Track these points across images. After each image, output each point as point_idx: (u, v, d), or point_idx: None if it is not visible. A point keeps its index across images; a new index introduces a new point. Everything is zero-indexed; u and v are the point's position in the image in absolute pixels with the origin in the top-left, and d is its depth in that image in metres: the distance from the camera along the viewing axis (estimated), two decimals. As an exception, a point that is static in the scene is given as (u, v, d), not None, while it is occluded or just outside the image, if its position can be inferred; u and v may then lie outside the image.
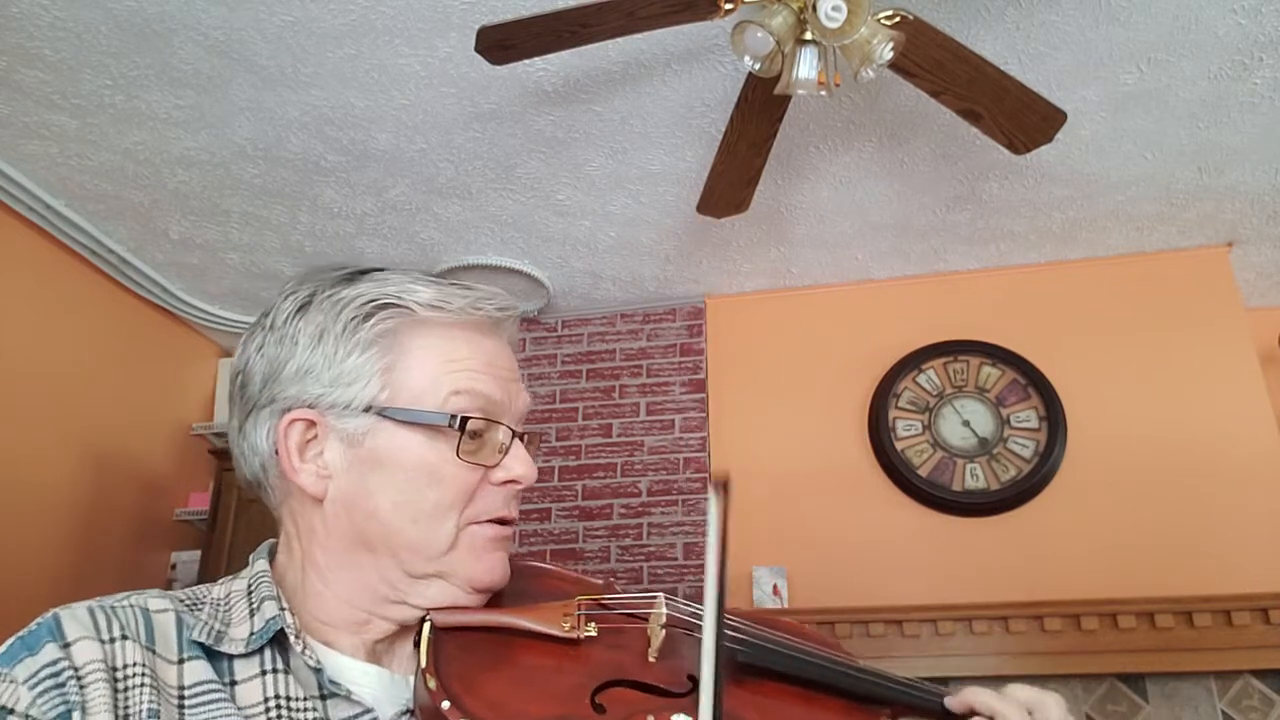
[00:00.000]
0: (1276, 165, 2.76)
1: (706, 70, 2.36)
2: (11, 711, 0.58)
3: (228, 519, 3.31)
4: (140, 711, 0.61)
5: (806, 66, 1.84)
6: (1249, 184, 2.85)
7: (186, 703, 0.64)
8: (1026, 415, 3.14)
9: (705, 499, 3.29)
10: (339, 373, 0.72)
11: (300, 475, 0.72)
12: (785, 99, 2.03)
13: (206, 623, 0.68)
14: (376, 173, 2.77)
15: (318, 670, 0.68)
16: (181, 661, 0.66)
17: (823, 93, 1.90)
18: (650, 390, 3.51)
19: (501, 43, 1.91)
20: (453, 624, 0.70)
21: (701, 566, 3.36)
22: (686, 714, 0.65)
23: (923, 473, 3.13)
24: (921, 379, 3.27)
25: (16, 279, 2.88)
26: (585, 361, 3.61)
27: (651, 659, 0.72)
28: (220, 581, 0.76)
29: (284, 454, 0.73)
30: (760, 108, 2.08)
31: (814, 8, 1.70)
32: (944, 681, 0.76)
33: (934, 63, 1.93)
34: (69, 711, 0.59)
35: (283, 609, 0.70)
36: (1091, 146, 2.67)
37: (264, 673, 0.67)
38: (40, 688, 0.59)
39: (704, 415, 3.43)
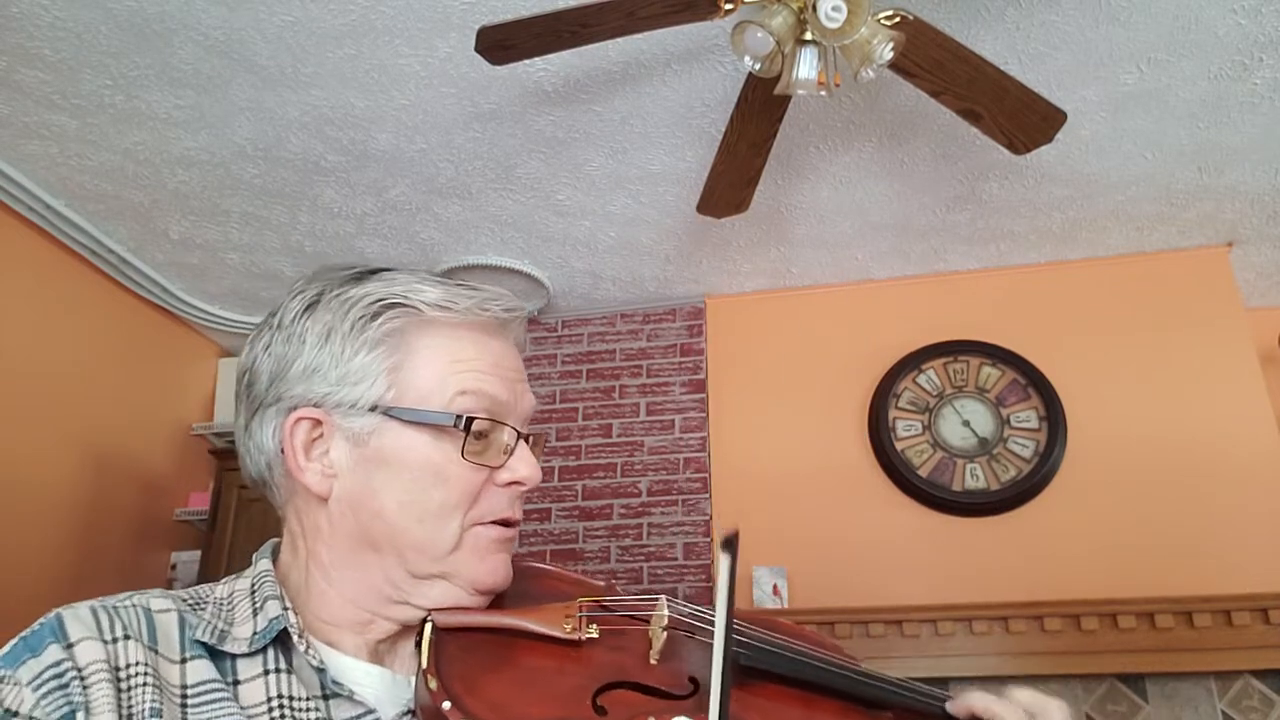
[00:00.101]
0: (1276, 165, 2.76)
1: (706, 70, 2.36)
2: (16, 714, 0.58)
3: (228, 519, 3.31)
4: (143, 711, 0.61)
5: (806, 66, 1.84)
6: (1249, 184, 2.85)
7: (189, 702, 0.64)
8: (1026, 415, 3.14)
9: (705, 498, 3.30)
10: (346, 372, 0.72)
11: (305, 474, 0.72)
12: (785, 99, 2.03)
13: (209, 622, 0.68)
14: (376, 173, 2.77)
15: (320, 670, 0.68)
16: (184, 661, 0.66)
17: (823, 93, 1.90)
18: (650, 390, 3.51)
19: (501, 43, 1.91)
20: (454, 625, 0.70)
21: (702, 567, 3.36)
22: (688, 716, 0.65)
23: (923, 473, 3.13)
24: (921, 379, 3.27)
25: (16, 279, 2.88)
26: (585, 361, 3.62)
27: (653, 661, 0.72)
28: (224, 581, 0.76)
29: (289, 453, 0.73)
30: (760, 108, 2.08)
31: (814, 8, 1.70)
32: (944, 682, 0.77)
33: (934, 63, 1.93)
34: (73, 712, 0.59)
35: (286, 609, 0.70)
36: (1091, 146, 2.67)
37: (267, 672, 0.67)
38: (44, 689, 0.59)
39: (704, 415, 3.43)
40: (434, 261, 3.23)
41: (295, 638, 0.68)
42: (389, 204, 2.94)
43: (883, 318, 3.40)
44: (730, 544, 0.64)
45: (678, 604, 0.77)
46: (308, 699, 0.67)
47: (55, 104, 2.44)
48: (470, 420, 0.72)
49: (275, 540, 0.79)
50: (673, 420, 3.44)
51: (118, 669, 0.62)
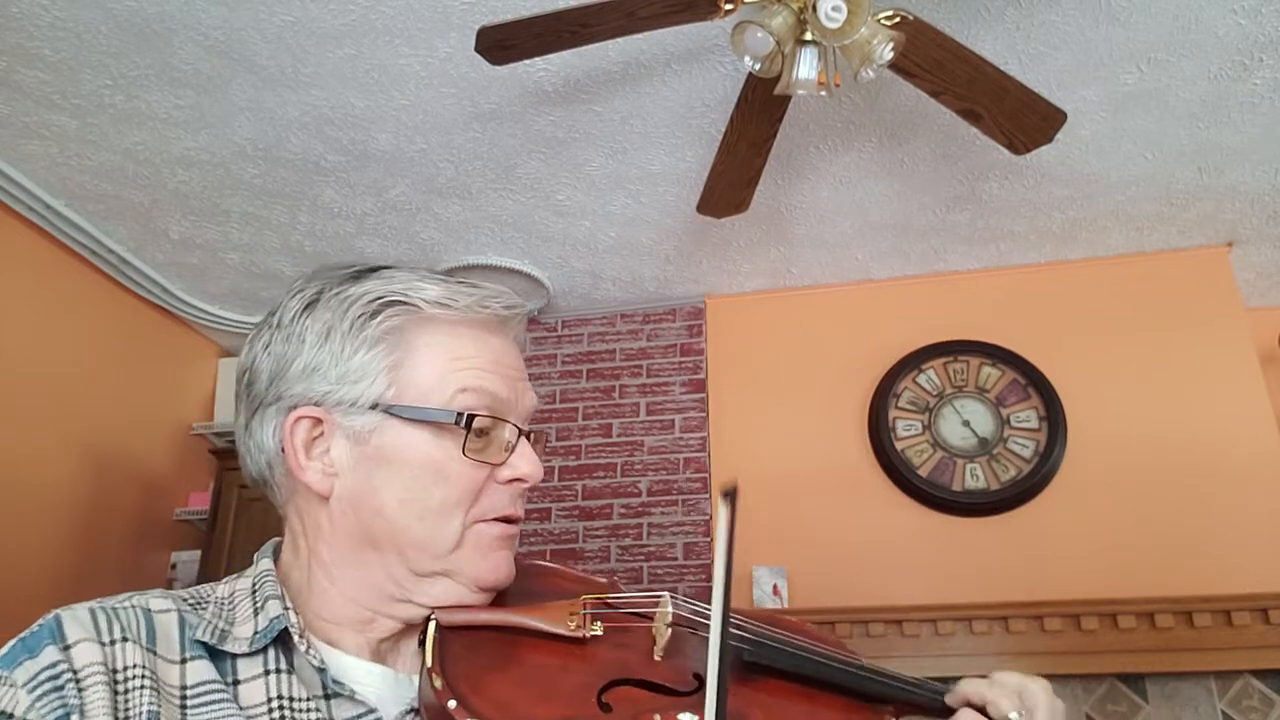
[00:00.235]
0: (1276, 165, 2.76)
1: (706, 70, 2.36)
2: (10, 715, 0.58)
3: (228, 519, 3.31)
4: (140, 713, 0.61)
5: (806, 67, 1.84)
6: (1249, 184, 2.85)
7: (188, 703, 0.64)
8: (1026, 415, 3.14)
9: (705, 498, 3.30)
10: (345, 370, 0.72)
11: (306, 473, 0.72)
12: (785, 99, 2.03)
13: (210, 622, 0.68)
14: (376, 173, 2.77)
15: (321, 670, 0.67)
16: (184, 661, 0.66)
17: (823, 93, 1.90)
18: (650, 390, 3.51)
19: (501, 43, 1.91)
20: (458, 623, 0.70)
21: (702, 567, 3.35)
22: (692, 713, 0.65)
23: (923, 473, 3.13)
24: (921, 379, 3.27)
25: (16, 279, 2.88)
26: (585, 361, 3.62)
27: (657, 658, 0.72)
28: (225, 580, 0.76)
29: (290, 452, 0.72)
30: (760, 108, 2.08)
31: (814, 8, 1.70)
32: (944, 682, 0.76)
33: (934, 63, 1.93)
34: (68, 714, 0.59)
35: (286, 608, 0.70)
36: (1091, 146, 2.67)
37: (267, 673, 0.67)
38: (39, 691, 0.59)
39: (704, 415, 3.43)
40: (434, 261, 3.23)
41: (296, 638, 0.68)
42: (389, 204, 2.94)
43: (883, 318, 3.40)
44: (730, 495, 0.64)
45: (681, 600, 0.77)
46: (308, 699, 0.67)
47: (55, 104, 2.44)
48: (471, 417, 0.72)
49: (277, 540, 0.79)
50: (673, 420, 3.44)
51: (115, 671, 0.62)
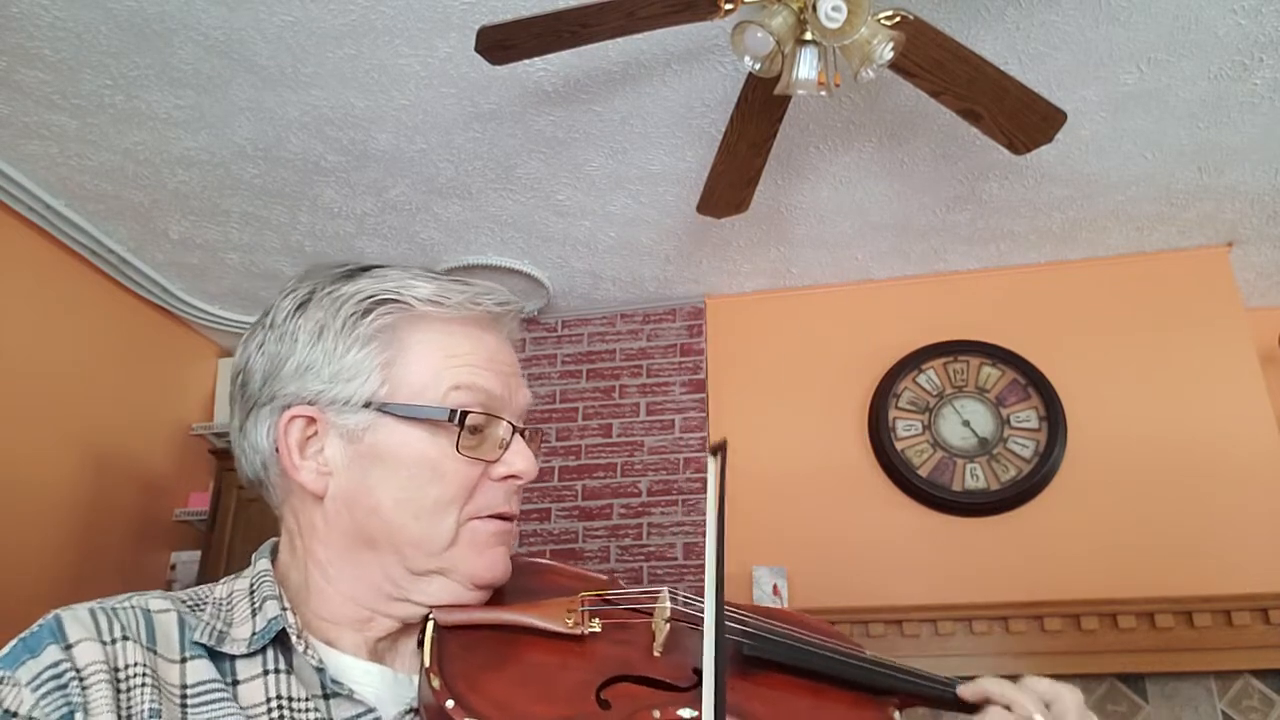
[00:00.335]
0: (1276, 165, 2.76)
1: (706, 70, 2.36)
2: (15, 714, 0.58)
3: (227, 519, 3.31)
4: (142, 712, 0.61)
5: (806, 67, 1.84)
6: (1249, 184, 2.85)
7: (189, 702, 0.64)
8: (1026, 415, 3.14)
9: (704, 498, 3.29)
10: (339, 369, 0.72)
11: (301, 472, 0.72)
12: (785, 99, 2.03)
13: (208, 623, 0.68)
14: (376, 173, 2.77)
15: (320, 670, 0.67)
16: (184, 661, 0.66)
17: (823, 93, 1.90)
18: (650, 390, 3.51)
19: (501, 43, 1.91)
20: (456, 622, 0.70)
21: (701, 567, 3.36)
22: (692, 708, 0.65)
23: (923, 473, 3.13)
24: (921, 379, 3.27)
25: (16, 279, 2.88)
26: (585, 361, 3.61)
27: (656, 654, 0.72)
28: (223, 581, 0.76)
29: (284, 451, 0.72)
30: (760, 108, 2.08)
31: (814, 8, 1.70)
32: (945, 682, 0.76)
33: (934, 63, 1.93)
34: (71, 713, 0.59)
35: (284, 609, 0.70)
36: (1091, 146, 2.67)
37: (266, 673, 0.67)
38: (43, 690, 0.59)
39: (704, 415, 3.43)
40: (434, 261, 3.23)
41: (294, 638, 0.68)
42: (389, 204, 2.94)
43: (883, 318, 3.40)
44: (719, 450, 0.64)
45: (680, 596, 0.77)
46: (307, 699, 0.67)
47: (55, 104, 2.44)
48: (465, 414, 0.71)
49: (274, 540, 0.79)
50: (673, 420, 3.44)
51: (116, 670, 0.62)
